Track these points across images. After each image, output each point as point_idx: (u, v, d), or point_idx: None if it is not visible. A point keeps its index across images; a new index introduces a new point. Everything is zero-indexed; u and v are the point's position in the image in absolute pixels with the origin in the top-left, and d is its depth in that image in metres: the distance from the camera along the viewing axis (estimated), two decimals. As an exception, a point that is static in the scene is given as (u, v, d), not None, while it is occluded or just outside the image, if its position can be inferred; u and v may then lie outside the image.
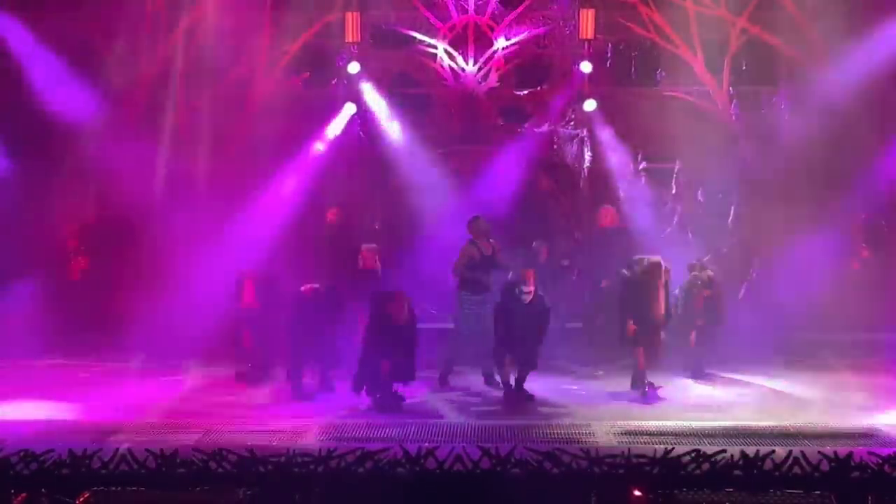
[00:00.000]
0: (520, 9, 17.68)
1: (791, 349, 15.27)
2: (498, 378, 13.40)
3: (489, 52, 17.73)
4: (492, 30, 17.72)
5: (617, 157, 17.63)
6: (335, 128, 17.59)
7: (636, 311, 13.10)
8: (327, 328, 13.04)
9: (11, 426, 11.21)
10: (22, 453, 8.43)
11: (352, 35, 17.25)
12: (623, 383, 13.51)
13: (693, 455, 8.34)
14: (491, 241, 13.91)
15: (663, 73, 17.86)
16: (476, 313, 13.77)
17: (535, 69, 17.98)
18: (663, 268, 13.18)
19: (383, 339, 12.37)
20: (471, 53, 17.73)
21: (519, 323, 12.77)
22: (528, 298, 12.72)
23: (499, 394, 13.21)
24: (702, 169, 17.44)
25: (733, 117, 17.53)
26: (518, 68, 17.92)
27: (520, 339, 12.78)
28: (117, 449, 8.51)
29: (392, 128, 17.64)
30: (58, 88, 16.64)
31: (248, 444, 8.96)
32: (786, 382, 13.89)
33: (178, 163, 16.78)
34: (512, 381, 12.98)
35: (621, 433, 11.08)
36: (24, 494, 8.33)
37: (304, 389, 13.06)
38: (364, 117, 17.76)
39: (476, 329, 13.76)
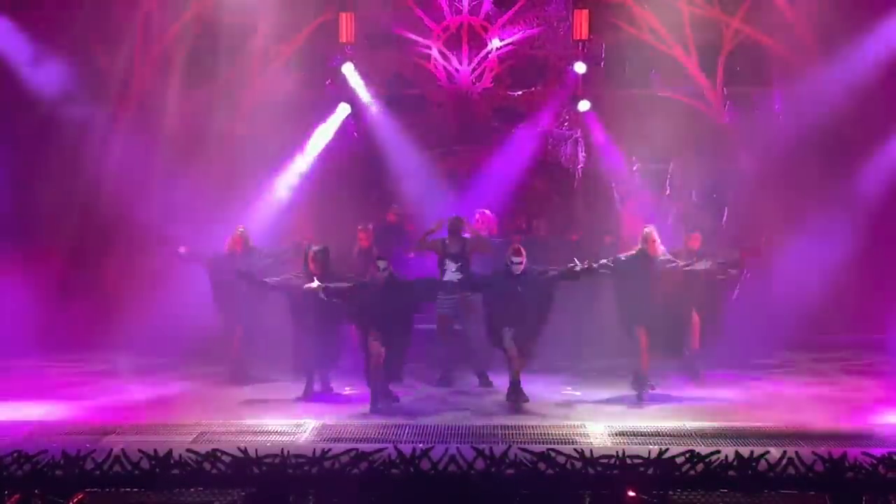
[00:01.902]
0: (514, 9, 17.69)
1: (785, 350, 15.28)
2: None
3: (483, 52, 17.74)
4: (486, 30, 17.73)
5: (611, 158, 17.65)
6: (329, 128, 17.59)
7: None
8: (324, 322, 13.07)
9: (4, 427, 11.19)
10: (15, 454, 8.40)
11: (346, 35, 17.24)
12: (617, 383, 13.52)
13: (687, 456, 8.34)
14: (466, 238, 13.87)
15: (657, 74, 17.88)
16: (450, 313, 13.77)
17: (529, 70, 17.99)
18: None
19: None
20: (465, 54, 17.74)
21: (510, 296, 12.66)
22: (518, 269, 12.65)
23: (493, 394, 13.21)
24: (696, 169, 17.49)
25: (727, 118, 17.56)
26: (512, 69, 17.92)
27: (515, 315, 12.66)
28: (111, 450, 8.48)
29: (386, 128, 17.63)
30: (52, 87, 16.61)
31: (243, 444, 8.95)
32: (780, 383, 13.90)
33: (173, 162, 16.75)
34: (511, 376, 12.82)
35: (616, 434, 11.08)
36: (17, 496, 8.31)
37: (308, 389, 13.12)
38: (358, 118, 17.76)
39: (450, 328, 13.78)
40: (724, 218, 17.39)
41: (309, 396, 13.01)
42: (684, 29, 17.26)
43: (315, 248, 12.98)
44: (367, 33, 17.77)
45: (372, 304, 12.48)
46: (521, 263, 12.62)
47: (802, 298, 15.34)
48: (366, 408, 12.39)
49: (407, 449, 8.52)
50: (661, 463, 8.31)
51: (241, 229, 14.13)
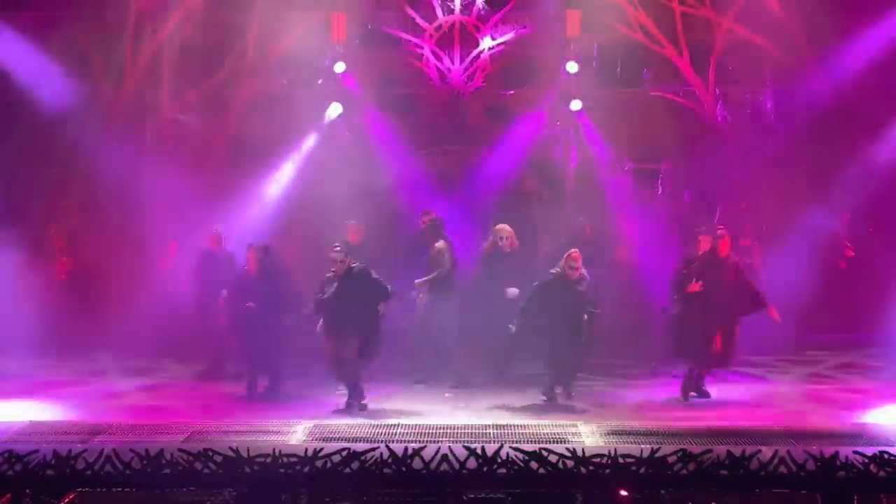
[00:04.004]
0: (506, 9, 17.66)
1: (777, 349, 15.29)
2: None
3: (475, 52, 17.72)
4: (478, 30, 17.70)
5: (603, 158, 17.65)
6: (321, 128, 17.57)
7: None
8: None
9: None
10: (6, 454, 8.40)
11: (338, 35, 17.21)
12: (610, 383, 13.52)
13: (679, 455, 8.35)
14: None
15: (649, 74, 17.88)
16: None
17: (521, 69, 17.95)
18: None
19: None
20: (457, 53, 17.72)
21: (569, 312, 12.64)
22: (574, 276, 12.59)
23: (486, 394, 13.20)
24: (688, 169, 17.49)
25: (719, 117, 17.56)
26: (504, 68, 17.90)
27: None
28: (102, 450, 8.47)
29: (378, 128, 17.61)
30: (43, 86, 16.58)
31: (235, 444, 8.94)
32: (772, 382, 13.91)
33: (164, 163, 16.72)
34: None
35: (608, 433, 11.08)
36: (8, 495, 8.31)
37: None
38: (350, 117, 17.73)
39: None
40: (717, 218, 17.40)
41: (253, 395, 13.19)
42: (676, 28, 17.26)
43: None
44: (359, 33, 17.74)
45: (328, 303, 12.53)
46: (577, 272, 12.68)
47: (794, 297, 15.33)
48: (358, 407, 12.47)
49: (399, 448, 8.52)
50: (653, 462, 8.33)
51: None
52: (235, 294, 13.28)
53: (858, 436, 10.79)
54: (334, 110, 17.52)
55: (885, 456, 8.43)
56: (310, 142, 17.47)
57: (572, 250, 12.72)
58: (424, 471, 8.26)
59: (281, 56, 17.50)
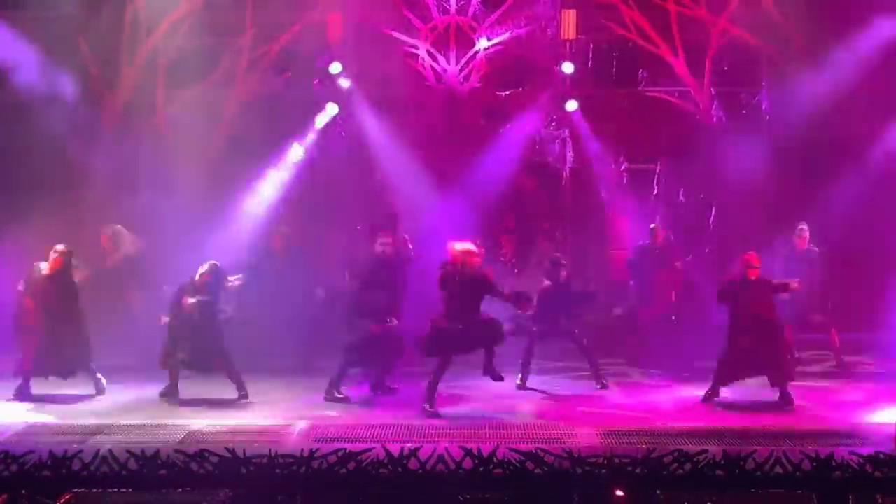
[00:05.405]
0: (502, 9, 17.68)
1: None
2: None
3: (471, 52, 17.73)
4: (474, 30, 17.71)
5: (598, 158, 17.66)
6: (317, 128, 17.56)
7: None
8: None
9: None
10: (2, 455, 8.37)
11: (334, 35, 17.21)
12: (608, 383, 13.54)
13: (675, 455, 8.35)
14: None
15: (644, 74, 17.90)
16: None
17: (516, 70, 17.97)
18: None
19: None
20: (453, 54, 17.72)
21: None
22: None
23: (483, 394, 13.20)
24: (683, 169, 17.51)
25: (714, 118, 17.58)
26: (500, 69, 17.91)
27: None
28: (98, 450, 8.45)
29: (374, 129, 17.60)
30: (38, 87, 16.54)
31: (230, 444, 8.93)
32: (767, 382, 13.91)
33: (159, 163, 16.71)
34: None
35: (604, 433, 11.10)
36: (4, 496, 8.29)
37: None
38: (345, 118, 17.73)
39: None
40: (712, 218, 17.41)
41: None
42: (671, 29, 17.28)
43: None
44: (354, 33, 17.72)
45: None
46: None
47: (788, 297, 15.33)
48: (355, 408, 12.45)
49: (395, 448, 8.52)
50: (649, 462, 8.31)
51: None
52: None
53: (854, 436, 10.81)
54: (330, 111, 17.51)
55: (881, 456, 8.43)
56: (305, 143, 17.46)
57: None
58: (420, 471, 8.25)
59: (277, 56, 17.49)
